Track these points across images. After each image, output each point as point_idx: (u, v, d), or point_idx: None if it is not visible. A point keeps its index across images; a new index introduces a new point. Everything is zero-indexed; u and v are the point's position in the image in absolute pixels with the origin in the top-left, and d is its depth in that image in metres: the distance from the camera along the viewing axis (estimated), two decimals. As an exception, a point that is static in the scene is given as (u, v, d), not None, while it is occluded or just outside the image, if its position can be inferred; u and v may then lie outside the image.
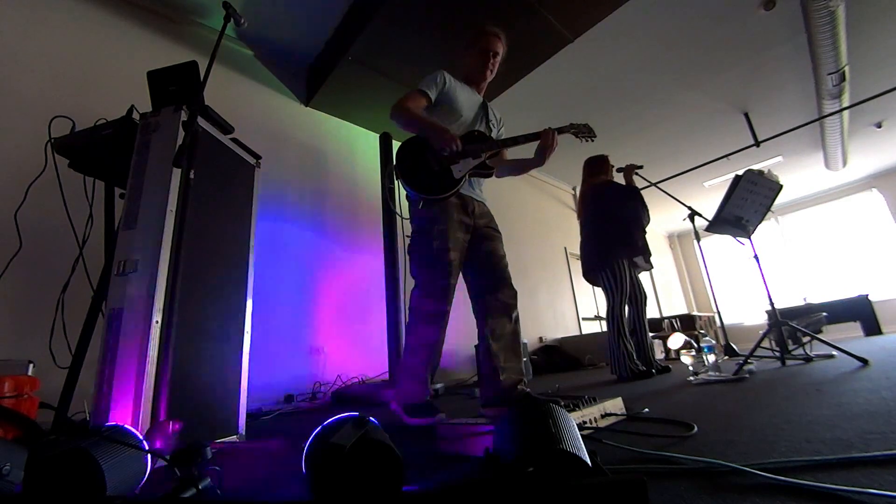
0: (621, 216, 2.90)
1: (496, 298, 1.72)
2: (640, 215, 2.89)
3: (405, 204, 1.78)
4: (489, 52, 1.85)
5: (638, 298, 2.87)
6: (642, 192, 3.04)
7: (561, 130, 1.83)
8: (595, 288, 6.79)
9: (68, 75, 2.56)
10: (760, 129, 5.54)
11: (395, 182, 1.71)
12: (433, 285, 1.62)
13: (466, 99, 1.82)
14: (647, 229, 2.99)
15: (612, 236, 2.86)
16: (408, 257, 1.72)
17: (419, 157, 1.68)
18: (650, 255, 2.95)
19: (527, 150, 1.88)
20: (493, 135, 1.89)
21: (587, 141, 1.93)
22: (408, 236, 1.74)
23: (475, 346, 1.75)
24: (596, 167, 3.16)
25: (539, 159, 1.81)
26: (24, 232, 1.84)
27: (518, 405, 1.50)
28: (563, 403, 1.44)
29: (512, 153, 1.97)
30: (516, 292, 1.75)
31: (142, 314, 1.24)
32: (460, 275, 1.73)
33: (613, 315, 2.76)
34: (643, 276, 3.02)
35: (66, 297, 1.72)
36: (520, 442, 0.67)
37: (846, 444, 0.79)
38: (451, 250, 1.62)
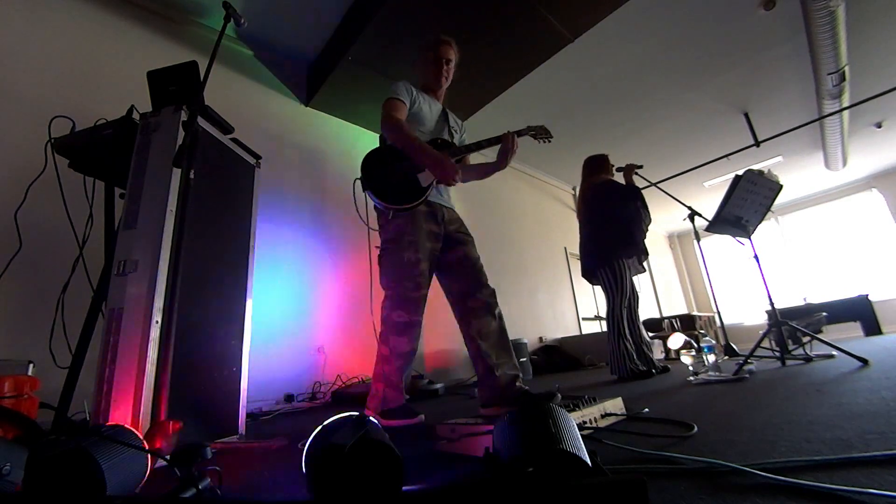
0: (621, 216, 2.89)
1: (476, 299, 1.71)
2: (640, 215, 2.88)
3: (374, 214, 1.78)
4: (443, 60, 1.88)
5: (631, 298, 2.87)
6: (644, 190, 3.04)
7: (520, 133, 1.87)
8: (595, 288, 6.79)
9: (68, 75, 2.56)
10: (760, 129, 5.55)
11: (363, 193, 1.71)
12: (405, 297, 1.63)
13: (429, 108, 1.85)
14: (648, 229, 2.99)
15: (612, 236, 2.85)
16: (378, 268, 1.73)
17: (385, 168, 1.68)
18: (646, 257, 2.95)
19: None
20: (456, 140, 1.90)
21: (545, 142, 1.99)
22: (377, 247, 1.75)
23: (466, 346, 1.75)
24: (596, 167, 3.15)
25: (501, 162, 1.83)
26: (24, 232, 1.84)
27: (518, 404, 1.53)
28: (561, 397, 1.46)
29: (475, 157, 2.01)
30: (494, 290, 1.76)
31: (142, 314, 1.24)
32: (433, 281, 1.75)
33: (613, 315, 2.76)
34: (635, 278, 3.01)
35: (66, 297, 1.72)
36: (520, 442, 0.67)
37: (846, 444, 0.79)
38: (421, 261, 1.64)
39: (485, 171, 1.95)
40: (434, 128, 1.85)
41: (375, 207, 1.73)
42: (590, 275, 3.01)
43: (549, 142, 2.00)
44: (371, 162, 1.71)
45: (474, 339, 1.68)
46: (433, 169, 1.63)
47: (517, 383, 1.63)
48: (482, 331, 1.69)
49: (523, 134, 1.89)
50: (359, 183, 1.70)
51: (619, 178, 3.14)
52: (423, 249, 1.65)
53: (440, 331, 4.07)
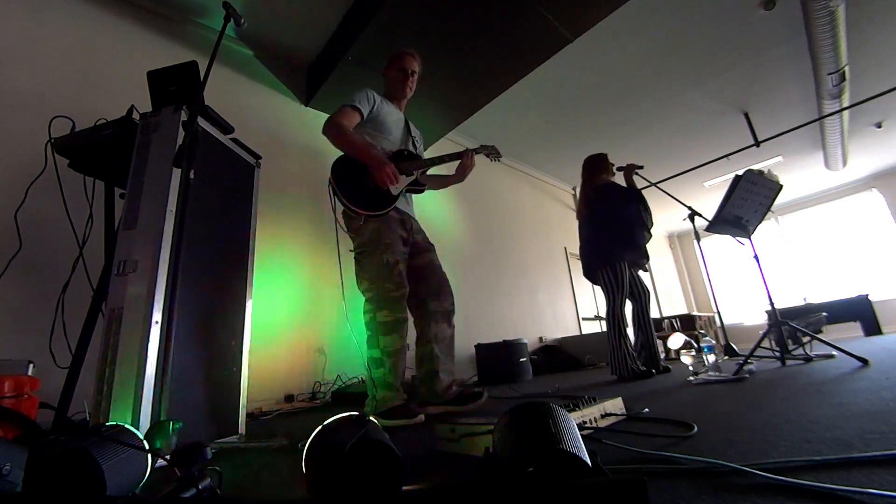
0: (621, 217, 2.89)
1: (440, 306, 1.85)
2: (641, 217, 2.88)
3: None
4: (408, 71, 2.03)
5: (640, 295, 2.86)
6: (644, 190, 3.04)
7: (477, 151, 2.03)
8: (595, 288, 6.80)
9: (68, 75, 2.56)
10: (760, 129, 5.55)
11: (333, 198, 1.78)
12: (388, 296, 1.70)
13: (393, 116, 1.95)
14: (651, 234, 2.98)
15: (613, 237, 2.85)
16: (355, 271, 1.80)
17: (356, 175, 1.75)
18: (647, 260, 2.94)
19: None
20: (417, 150, 2.04)
21: (495, 160, 2.16)
22: (350, 250, 1.82)
23: (416, 344, 1.89)
24: (595, 167, 3.15)
25: (460, 175, 2.02)
26: (24, 232, 1.84)
27: (455, 404, 1.72)
28: (487, 395, 1.75)
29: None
30: (454, 298, 1.91)
31: (142, 314, 1.24)
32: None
33: (614, 315, 2.75)
34: (643, 274, 3.01)
35: (66, 297, 1.72)
36: (520, 442, 0.67)
37: (846, 444, 0.79)
38: (399, 262, 1.74)
39: (445, 182, 2.11)
40: (399, 137, 1.95)
41: (345, 213, 1.81)
42: (591, 275, 3.01)
43: (499, 160, 2.16)
44: (342, 168, 1.78)
45: (430, 342, 1.81)
46: (374, 170, 1.72)
47: (453, 387, 1.81)
48: (438, 335, 1.83)
49: (479, 152, 2.05)
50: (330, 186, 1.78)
51: (620, 177, 3.14)
52: (399, 252, 1.75)
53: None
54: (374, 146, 1.82)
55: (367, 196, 1.74)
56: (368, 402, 1.71)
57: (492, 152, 2.12)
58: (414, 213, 1.97)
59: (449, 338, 1.85)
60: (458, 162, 1.99)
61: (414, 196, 2.03)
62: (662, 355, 4.52)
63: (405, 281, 1.75)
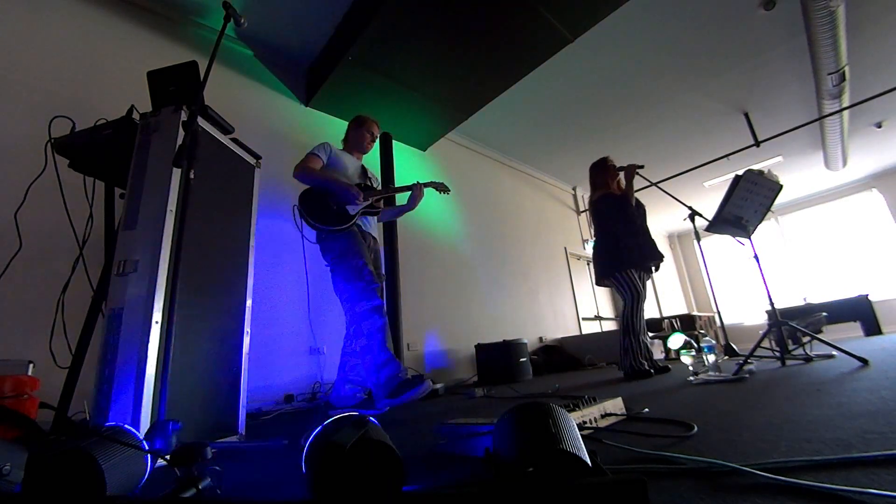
0: (610, 231, 2.94)
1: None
2: (625, 226, 2.87)
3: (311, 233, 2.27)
4: (372, 134, 2.53)
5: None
6: (644, 190, 3.03)
7: (426, 185, 2.48)
8: (595, 288, 6.80)
9: (68, 75, 2.56)
10: (760, 129, 5.55)
11: (299, 221, 2.22)
12: (366, 288, 2.03)
13: (350, 162, 2.38)
14: (645, 231, 2.95)
15: (615, 250, 2.90)
16: (333, 282, 2.15)
17: (320, 202, 2.19)
18: (659, 258, 2.91)
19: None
20: (373, 186, 2.48)
21: (444, 194, 2.65)
22: (326, 266, 2.21)
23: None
24: (595, 176, 3.15)
25: (411, 205, 2.44)
26: (24, 232, 1.84)
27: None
28: (440, 386, 1.94)
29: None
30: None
31: (142, 314, 1.24)
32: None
33: (623, 314, 2.80)
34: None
35: (66, 297, 1.72)
36: (520, 442, 0.67)
37: (846, 444, 0.79)
38: (367, 263, 2.11)
39: (399, 211, 2.62)
40: (355, 176, 2.37)
41: (318, 236, 2.22)
42: (600, 283, 3.07)
43: (448, 193, 2.66)
44: (309, 199, 2.20)
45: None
46: (341, 191, 2.17)
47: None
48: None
49: (428, 186, 2.49)
50: (297, 211, 2.22)
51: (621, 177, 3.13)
52: (365, 256, 2.13)
53: (440, 331, 4.07)
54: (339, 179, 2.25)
55: (330, 217, 2.15)
56: (376, 387, 1.85)
57: (440, 187, 2.57)
58: (375, 232, 2.41)
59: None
60: (409, 193, 2.43)
61: (417, 202, 2.44)
62: (663, 355, 4.55)
63: (374, 279, 2.09)
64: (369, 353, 1.92)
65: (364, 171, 2.48)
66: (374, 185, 2.49)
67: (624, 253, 2.84)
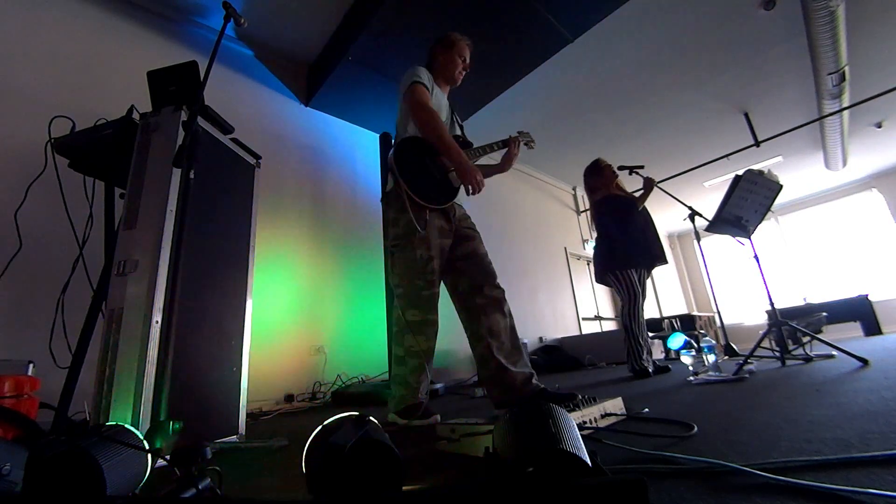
0: (605, 233, 2.97)
1: (485, 296, 1.68)
2: (634, 227, 2.88)
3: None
4: (465, 60, 1.92)
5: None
6: (636, 194, 3.04)
7: (522, 139, 1.99)
8: (595, 288, 6.80)
9: (68, 75, 2.56)
10: (760, 129, 5.54)
11: (389, 180, 1.66)
12: (418, 295, 1.59)
13: (442, 101, 1.81)
14: (647, 230, 2.96)
15: (610, 251, 2.92)
16: (389, 264, 1.69)
17: (420, 162, 1.63)
18: (661, 258, 2.91)
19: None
20: (463, 136, 1.89)
21: (531, 148, 2.10)
22: (387, 243, 1.71)
23: (471, 348, 1.71)
24: (590, 179, 3.16)
25: (505, 165, 1.94)
26: (24, 232, 1.84)
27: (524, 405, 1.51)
28: (581, 397, 1.36)
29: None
30: (503, 289, 1.74)
31: (142, 314, 1.24)
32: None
33: (623, 314, 2.81)
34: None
35: (66, 297, 1.72)
36: (520, 442, 0.67)
37: (846, 444, 0.79)
38: (434, 259, 1.60)
39: (487, 173, 1.94)
40: (447, 121, 1.78)
41: (384, 198, 1.69)
42: (601, 281, 3.08)
43: (534, 148, 2.13)
44: (407, 151, 1.63)
45: (484, 338, 1.61)
46: (461, 175, 1.61)
47: (533, 381, 1.59)
48: (493, 328, 1.62)
49: (524, 138, 1.99)
50: (390, 167, 1.63)
51: (622, 176, 3.13)
52: (434, 246, 1.60)
53: (440, 330, 4.06)
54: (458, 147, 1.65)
55: (427, 186, 1.60)
56: (390, 400, 1.67)
57: (530, 140, 2.05)
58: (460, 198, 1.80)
59: (508, 329, 1.66)
60: (503, 151, 1.89)
61: (513, 161, 1.99)
62: (663, 355, 4.54)
63: (438, 279, 1.63)
64: (398, 365, 1.62)
65: (452, 112, 1.89)
66: (464, 136, 1.88)
67: (619, 252, 2.85)
